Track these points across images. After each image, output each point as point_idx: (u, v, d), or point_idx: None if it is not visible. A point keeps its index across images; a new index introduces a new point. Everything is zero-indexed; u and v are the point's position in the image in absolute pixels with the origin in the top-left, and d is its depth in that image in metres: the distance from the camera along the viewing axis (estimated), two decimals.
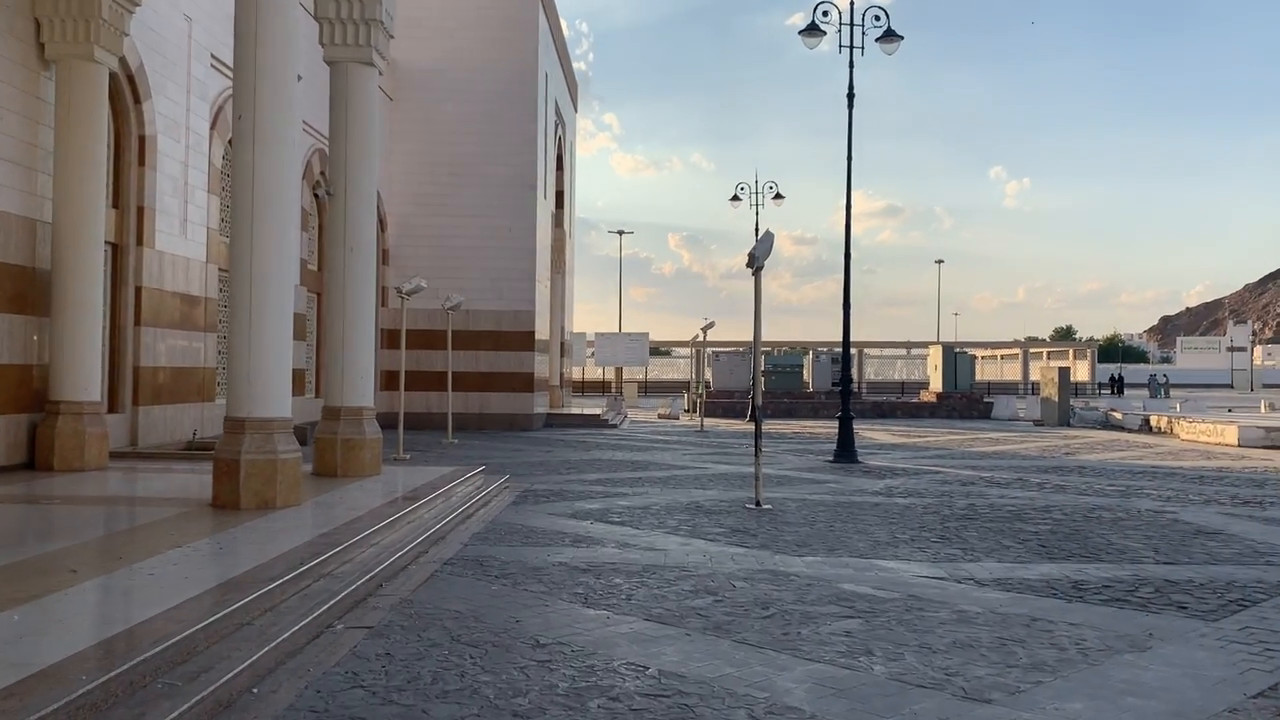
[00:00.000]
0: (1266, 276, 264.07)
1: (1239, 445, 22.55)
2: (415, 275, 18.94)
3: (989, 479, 15.71)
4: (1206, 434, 24.28)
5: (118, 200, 15.02)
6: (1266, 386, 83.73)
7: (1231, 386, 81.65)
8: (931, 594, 7.35)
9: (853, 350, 47.17)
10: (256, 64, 9.14)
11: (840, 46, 19.58)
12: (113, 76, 13.88)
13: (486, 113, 27.72)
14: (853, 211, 19.56)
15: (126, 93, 14.71)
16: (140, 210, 15.21)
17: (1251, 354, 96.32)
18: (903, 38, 19.42)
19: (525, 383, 27.39)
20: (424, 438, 22.86)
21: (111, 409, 14.99)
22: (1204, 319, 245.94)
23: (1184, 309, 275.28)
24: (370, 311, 12.37)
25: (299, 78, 19.71)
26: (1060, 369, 33.68)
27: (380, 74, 12.74)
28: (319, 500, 10.00)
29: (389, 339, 26.56)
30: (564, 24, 33.97)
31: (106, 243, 14.32)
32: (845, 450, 18.82)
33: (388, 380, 26.65)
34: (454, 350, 25.48)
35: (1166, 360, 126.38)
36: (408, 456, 17.48)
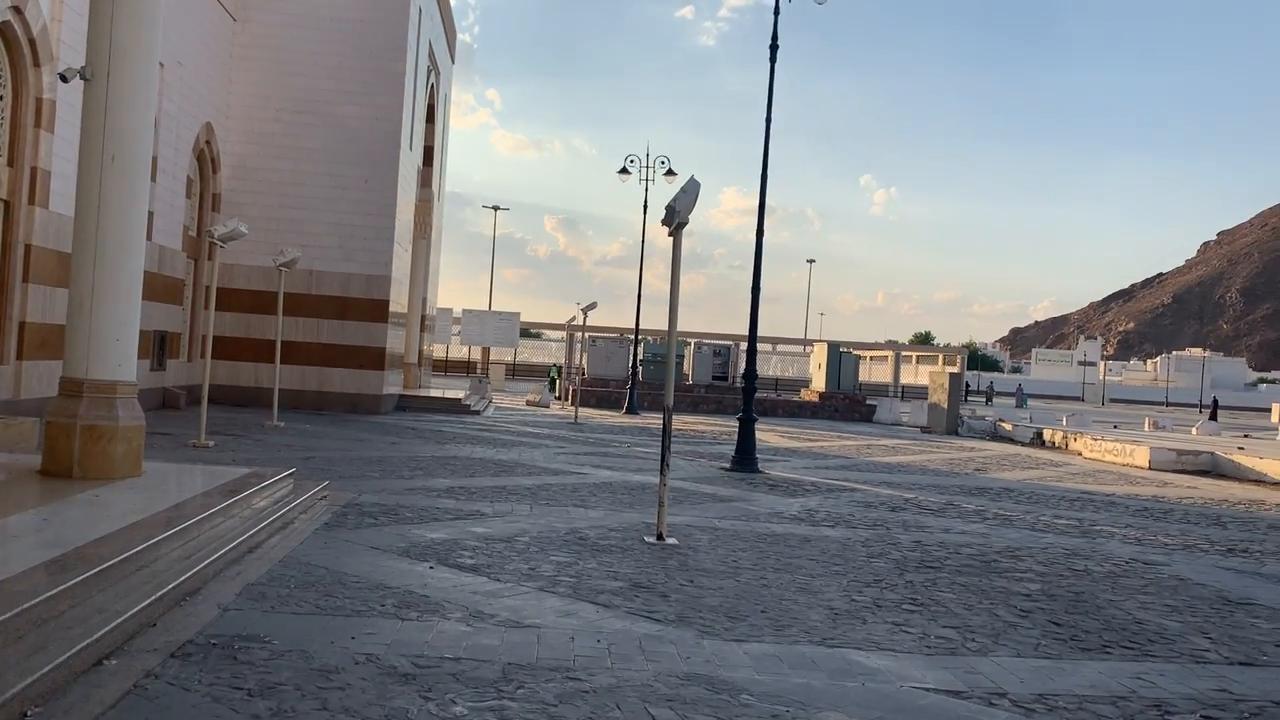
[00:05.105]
0: (1109, 296, 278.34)
1: (1150, 468, 21.03)
2: (235, 218, 15.22)
3: (915, 501, 13.33)
4: (1113, 454, 22.76)
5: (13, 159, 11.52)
6: (1114, 401, 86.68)
7: (1081, 399, 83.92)
8: None
9: (731, 345, 45.17)
10: None
11: None
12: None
13: (346, 44, 23.86)
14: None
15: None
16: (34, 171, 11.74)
17: (1101, 369, 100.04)
18: None
19: (375, 359, 23.74)
20: (245, 417, 19.10)
21: None
22: (1051, 332, 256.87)
23: (1033, 322, 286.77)
24: (138, 247, 8.80)
25: None
26: (952, 375, 32.05)
27: None
28: (8, 524, 6.53)
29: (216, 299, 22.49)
30: None
31: None
32: (745, 458, 16.17)
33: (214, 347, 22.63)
34: (293, 317, 21.71)
35: (1018, 370, 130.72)
36: (210, 444, 13.89)
